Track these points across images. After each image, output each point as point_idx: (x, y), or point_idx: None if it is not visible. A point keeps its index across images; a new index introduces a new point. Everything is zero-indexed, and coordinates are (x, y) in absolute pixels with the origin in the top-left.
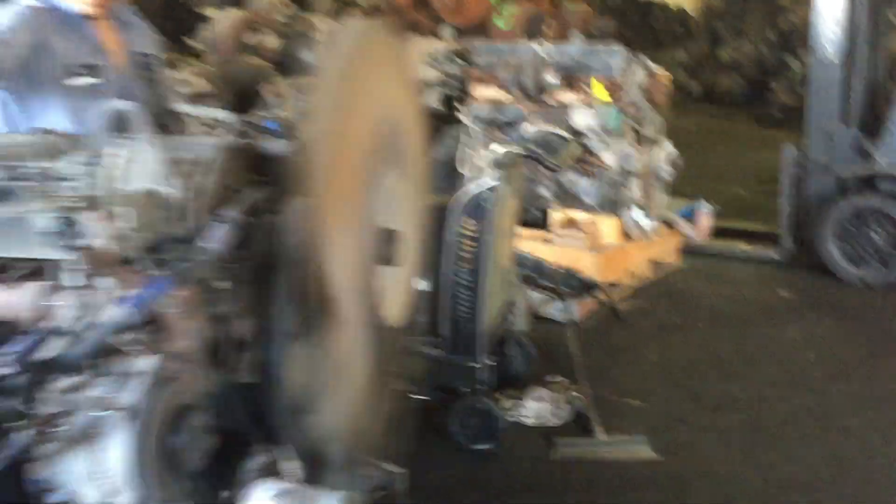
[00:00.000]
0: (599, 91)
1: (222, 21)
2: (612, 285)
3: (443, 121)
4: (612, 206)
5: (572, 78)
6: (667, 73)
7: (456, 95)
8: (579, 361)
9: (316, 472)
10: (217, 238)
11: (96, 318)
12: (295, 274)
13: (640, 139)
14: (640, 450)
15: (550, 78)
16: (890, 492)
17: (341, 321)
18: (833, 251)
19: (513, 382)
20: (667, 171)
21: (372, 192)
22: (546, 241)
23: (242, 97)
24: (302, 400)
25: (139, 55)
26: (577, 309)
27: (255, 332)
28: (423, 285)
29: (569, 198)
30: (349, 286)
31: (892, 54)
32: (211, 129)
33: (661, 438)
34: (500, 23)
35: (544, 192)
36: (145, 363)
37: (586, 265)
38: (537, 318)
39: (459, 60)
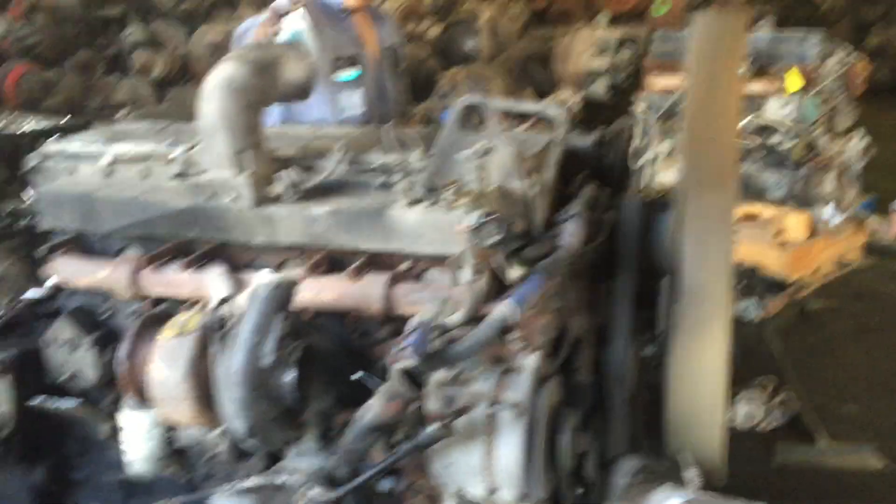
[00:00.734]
0: (794, 80)
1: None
2: (798, 283)
3: (611, 112)
4: (801, 200)
5: (763, 66)
6: (863, 61)
7: (626, 85)
8: (784, 362)
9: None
10: (571, 234)
11: (483, 313)
12: (644, 270)
13: (834, 130)
14: (868, 459)
15: None
16: None
17: (711, 321)
18: None
19: None
20: (860, 165)
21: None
22: None
23: (414, 86)
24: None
25: (389, 48)
26: (765, 308)
27: (595, 330)
28: None
29: (749, 191)
30: (719, 283)
31: None
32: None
33: (890, 447)
34: (660, 10)
35: None
36: (528, 360)
37: (771, 262)
38: None
39: (629, 49)
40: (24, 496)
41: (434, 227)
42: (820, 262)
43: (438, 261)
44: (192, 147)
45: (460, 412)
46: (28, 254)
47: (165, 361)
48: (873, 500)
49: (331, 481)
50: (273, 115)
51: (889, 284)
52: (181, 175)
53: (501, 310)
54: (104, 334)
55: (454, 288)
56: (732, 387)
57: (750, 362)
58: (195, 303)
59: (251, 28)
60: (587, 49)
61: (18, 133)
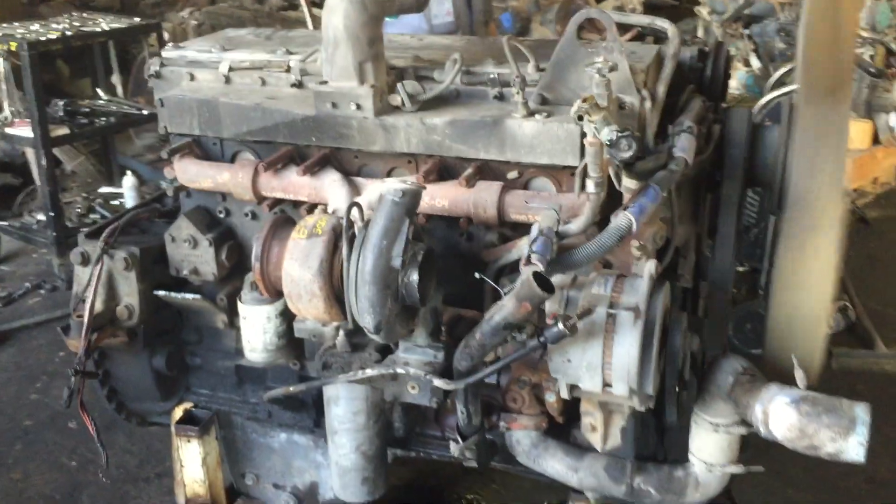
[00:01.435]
0: None
1: None
2: (857, 192)
3: (673, 14)
4: (866, 108)
5: None
6: None
7: None
8: (842, 270)
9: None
10: (683, 147)
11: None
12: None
13: None
14: None
15: None
16: None
17: (820, 230)
18: None
19: None
20: None
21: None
22: None
23: None
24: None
25: None
26: None
27: (697, 239)
28: None
29: None
30: (832, 192)
31: None
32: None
33: None
34: None
35: None
36: (646, 265)
37: None
38: None
39: None
40: (147, 379)
41: (549, 139)
42: (880, 172)
43: (546, 170)
44: (308, 56)
45: (584, 313)
46: (99, 152)
47: (298, 260)
48: None
49: (445, 373)
50: None
51: None
52: (299, 84)
53: (622, 219)
54: (221, 233)
55: (563, 196)
56: None
57: None
58: (314, 205)
59: None
60: None
61: (93, 32)
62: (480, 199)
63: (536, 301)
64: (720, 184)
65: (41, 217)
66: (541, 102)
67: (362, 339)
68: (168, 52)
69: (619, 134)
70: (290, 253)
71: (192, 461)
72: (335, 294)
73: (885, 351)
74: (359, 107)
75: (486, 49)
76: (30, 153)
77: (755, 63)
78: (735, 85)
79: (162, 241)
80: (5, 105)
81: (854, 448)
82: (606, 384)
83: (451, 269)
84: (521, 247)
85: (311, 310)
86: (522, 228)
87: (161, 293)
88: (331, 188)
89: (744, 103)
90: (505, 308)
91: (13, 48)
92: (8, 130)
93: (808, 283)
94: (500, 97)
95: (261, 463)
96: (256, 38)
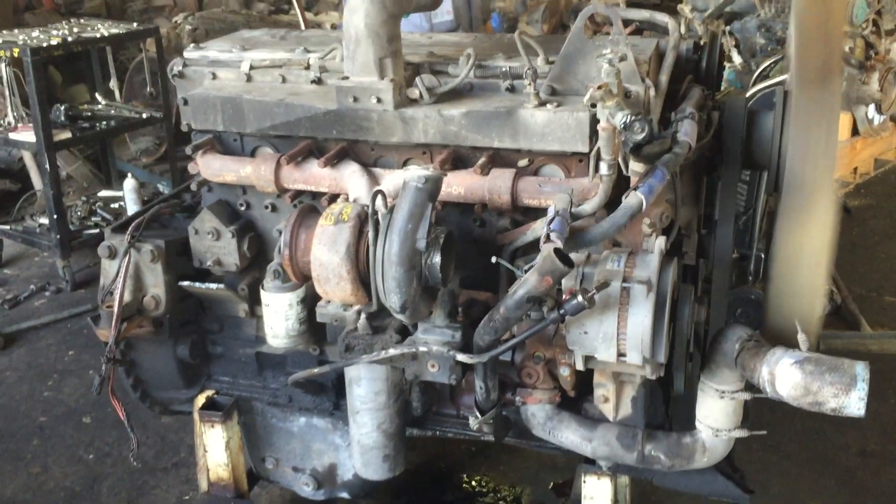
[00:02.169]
0: None
1: None
2: (837, 182)
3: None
4: (845, 101)
5: None
6: None
7: None
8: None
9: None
10: (686, 132)
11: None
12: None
13: (881, 31)
14: None
15: None
16: None
17: (814, 209)
18: None
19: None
20: None
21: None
22: None
23: None
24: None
25: None
26: None
27: (699, 219)
28: None
29: None
30: (825, 173)
31: None
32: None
33: None
34: None
35: None
36: (656, 242)
37: None
38: None
39: None
40: (171, 368)
41: (560, 127)
42: (859, 162)
43: (556, 157)
44: (326, 54)
45: (601, 287)
46: (95, 155)
47: (327, 245)
48: None
49: (464, 351)
50: None
51: None
52: (319, 80)
53: (633, 198)
54: (242, 225)
55: (574, 181)
56: None
57: None
58: (334, 195)
59: None
60: None
61: (93, 38)
62: (495, 185)
63: (558, 275)
64: (718, 167)
65: (43, 220)
66: (551, 93)
67: (382, 321)
68: (190, 53)
69: (633, 118)
70: (318, 239)
71: (215, 446)
72: (361, 277)
73: (869, 332)
74: (379, 100)
75: (495, 45)
76: (28, 158)
77: (737, 59)
78: None
79: (184, 234)
80: (9, 111)
81: (855, 403)
82: (621, 354)
83: (465, 254)
84: (536, 229)
85: (338, 292)
86: (533, 213)
87: (185, 283)
88: (351, 179)
89: (727, 97)
90: (528, 282)
91: (16, 54)
92: (11, 136)
93: (805, 257)
94: (512, 89)
95: (280, 447)
96: (272, 38)
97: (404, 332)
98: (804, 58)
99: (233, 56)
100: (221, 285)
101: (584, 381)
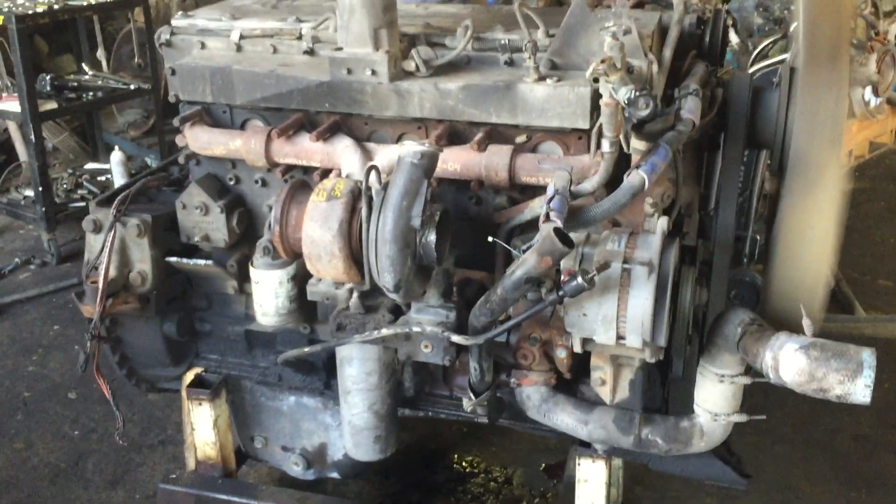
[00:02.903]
0: None
1: None
2: None
3: None
4: None
5: None
6: None
7: None
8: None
9: None
10: (690, 109)
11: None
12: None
13: (879, 12)
14: None
15: None
16: None
17: (820, 189)
18: None
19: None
20: None
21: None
22: None
23: None
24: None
25: None
26: None
27: (701, 197)
28: None
29: None
30: (831, 152)
31: None
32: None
33: None
34: None
35: None
36: (658, 222)
37: None
38: None
39: None
40: (158, 345)
41: (560, 102)
42: (854, 145)
43: (554, 134)
44: (319, 24)
45: (601, 268)
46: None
47: (318, 222)
48: None
49: (458, 332)
50: None
51: None
52: (312, 51)
53: (635, 177)
54: (232, 200)
55: (573, 158)
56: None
57: None
58: (326, 171)
59: None
60: None
61: (79, 6)
62: (492, 162)
63: (558, 255)
64: (721, 146)
65: (28, 193)
66: (551, 67)
67: (375, 300)
68: (178, 21)
69: (637, 93)
70: (309, 215)
71: (203, 424)
72: (354, 255)
73: (864, 315)
74: (374, 72)
75: (493, 16)
76: (13, 129)
77: (734, 38)
78: None
79: (171, 208)
80: None
81: (861, 390)
82: (620, 337)
83: (460, 232)
84: (533, 207)
85: (330, 270)
86: (531, 191)
87: (173, 259)
88: (344, 153)
89: (725, 76)
90: (527, 263)
91: (1, 22)
92: None
93: (811, 238)
94: (511, 63)
95: (269, 426)
96: (263, 6)
97: (397, 312)
98: (813, 34)
99: (222, 25)
100: (210, 262)
101: (581, 363)
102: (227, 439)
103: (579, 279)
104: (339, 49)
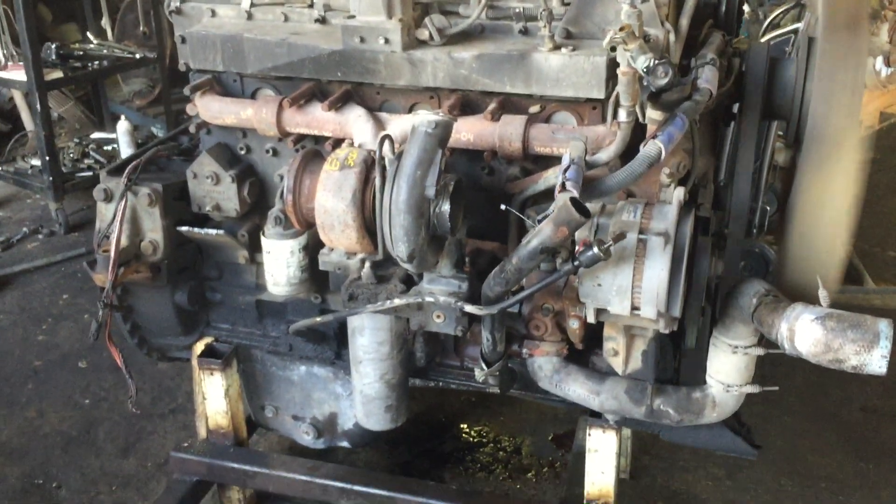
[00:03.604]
0: None
1: None
2: None
3: None
4: None
5: None
6: None
7: None
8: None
9: None
10: (707, 79)
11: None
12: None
13: None
14: None
15: None
16: None
17: (838, 160)
18: None
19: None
20: None
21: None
22: None
23: None
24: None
25: None
26: None
27: (714, 170)
28: None
29: None
30: (849, 123)
31: None
32: None
33: None
34: None
35: None
36: (674, 192)
37: None
38: None
39: None
40: (169, 314)
41: (575, 72)
42: (864, 115)
43: (568, 104)
44: None
45: (618, 238)
46: (86, 97)
47: (332, 192)
48: None
49: (471, 300)
50: None
51: None
52: (323, 19)
53: (652, 146)
54: (243, 169)
55: (588, 129)
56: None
57: None
58: (338, 140)
59: None
60: None
61: None
62: (506, 132)
63: (574, 225)
64: (737, 116)
65: (35, 162)
66: (566, 36)
67: (387, 270)
68: None
69: (657, 62)
70: (322, 185)
71: (214, 393)
72: (367, 224)
73: (873, 286)
74: (387, 41)
75: None
76: (18, 98)
77: (745, 7)
78: None
79: (182, 178)
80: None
81: (877, 361)
82: (635, 308)
83: (473, 202)
84: (548, 178)
85: (343, 240)
86: (545, 161)
87: (184, 229)
88: (356, 123)
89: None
90: (543, 233)
91: None
92: (1, 74)
93: (827, 210)
94: (525, 31)
95: (280, 395)
96: None
97: (409, 282)
98: (833, 2)
99: None
100: (221, 231)
101: (593, 333)
102: (238, 408)
103: (595, 249)
104: (352, 17)
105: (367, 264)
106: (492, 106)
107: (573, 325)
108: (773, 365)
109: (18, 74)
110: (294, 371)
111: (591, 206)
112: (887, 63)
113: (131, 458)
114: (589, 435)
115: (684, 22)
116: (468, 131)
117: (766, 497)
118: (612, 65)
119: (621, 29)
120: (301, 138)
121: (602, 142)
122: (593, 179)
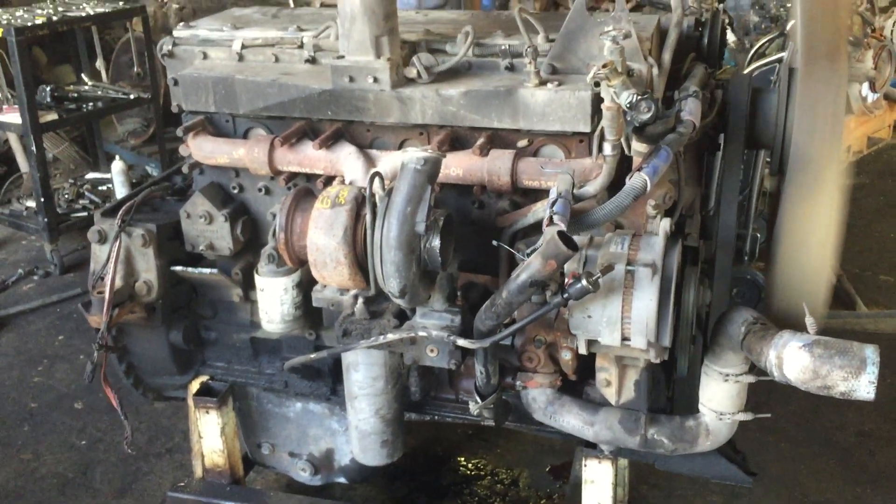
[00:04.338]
0: None
1: None
2: None
3: None
4: None
5: None
6: None
7: None
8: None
9: None
10: (690, 111)
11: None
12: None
13: (875, 7)
14: None
15: None
16: None
17: (821, 188)
18: None
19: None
20: None
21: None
22: None
23: None
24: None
25: None
26: None
27: (702, 199)
28: None
29: None
30: (832, 151)
31: None
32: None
33: None
34: None
35: None
36: (661, 224)
37: None
38: None
39: None
40: (165, 354)
41: (561, 106)
42: (852, 141)
43: (556, 138)
44: (320, 33)
45: (606, 270)
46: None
47: (323, 229)
48: None
49: (463, 336)
50: None
51: None
52: (313, 60)
53: (637, 179)
54: (235, 208)
55: (575, 162)
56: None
57: None
58: (329, 178)
59: None
60: None
61: (78, 17)
62: (494, 167)
63: (562, 258)
64: (721, 147)
65: (30, 203)
66: (551, 72)
67: (380, 305)
68: (179, 32)
69: (639, 97)
70: (314, 222)
71: (210, 432)
72: (359, 261)
73: (865, 311)
74: (376, 80)
75: (493, 22)
76: (13, 140)
77: (730, 36)
78: None
79: (176, 217)
80: None
81: (865, 386)
82: (625, 338)
83: (463, 236)
84: (536, 211)
85: (335, 277)
86: (534, 194)
87: (178, 269)
88: (347, 161)
89: (728, 75)
90: (531, 266)
91: (0, 34)
92: None
93: (812, 238)
94: (511, 68)
95: (276, 432)
96: (263, 16)
97: (402, 317)
98: (811, 32)
99: (224, 35)
100: (215, 270)
101: (586, 364)
102: (235, 446)
103: (584, 281)
104: (341, 57)
105: (360, 300)
106: (480, 141)
107: (565, 356)
108: (768, 391)
109: (13, 117)
110: (290, 408)
111: (579, 238)
112: (873, 88)
113: (128, 499)
114: (585, 466)
115: (667, 56)
116: (457, 166)
117: None
118: (598, 99)
119: (604, 65)
120: (293, 176)
121: (589, 174)
122: (581, 212)
